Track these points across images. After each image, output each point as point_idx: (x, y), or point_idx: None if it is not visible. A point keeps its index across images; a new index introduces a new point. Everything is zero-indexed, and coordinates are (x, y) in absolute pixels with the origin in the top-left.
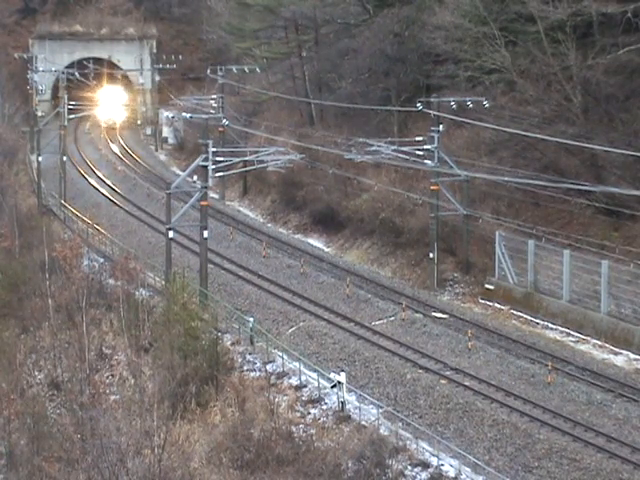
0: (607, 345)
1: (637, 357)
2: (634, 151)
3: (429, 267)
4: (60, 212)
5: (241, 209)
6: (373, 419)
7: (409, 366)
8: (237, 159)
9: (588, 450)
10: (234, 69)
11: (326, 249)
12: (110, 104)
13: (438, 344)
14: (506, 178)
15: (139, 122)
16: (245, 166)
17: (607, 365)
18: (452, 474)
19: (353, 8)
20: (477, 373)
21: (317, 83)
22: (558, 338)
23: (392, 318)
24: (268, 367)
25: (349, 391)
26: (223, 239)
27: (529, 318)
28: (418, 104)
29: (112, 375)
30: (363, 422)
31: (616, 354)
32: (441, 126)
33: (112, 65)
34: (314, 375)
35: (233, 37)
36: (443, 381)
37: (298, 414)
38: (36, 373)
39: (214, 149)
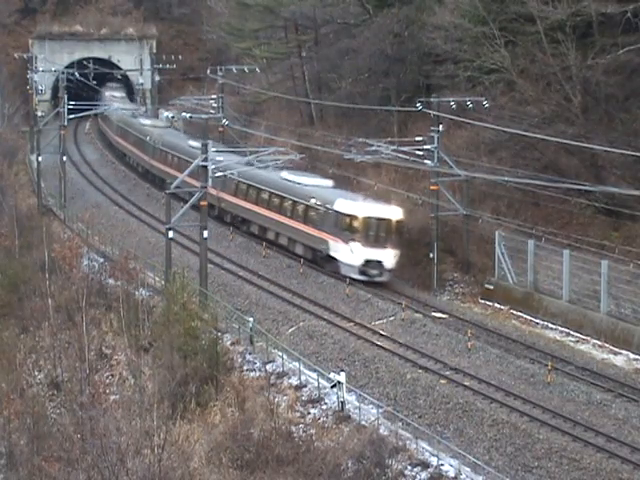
0: (607, 345)
1: (637, 357)
2: (634, 151)
3: (429, 267)
4: (60, 212)
5: None
6: (373, 419)
7: (409, 366)
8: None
9: (588, 450)
10: (234, 69)
11: None
12: None
13: (438, 344)
14: (506, 178)
15: None
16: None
17: (607, 365)
18: (452, 474)
19: (353, 8)
20: (477, 373)
21: (317, 83)
22: (558, 338)
23: (392, 318)
24: (268, 367)
25: (349, 391)
26: (223, 239)
27: (529, 318)
28: (418, 104)
29: (112, 375)
30: (363, 422)
31: (616, 354)
32: (441, 126)
33: (112, 65)
34: (314, 375)
35: (233, 37)
36: (443, 381)
37: (298, 414)
38: (36, 373)
39: (214, 149)
